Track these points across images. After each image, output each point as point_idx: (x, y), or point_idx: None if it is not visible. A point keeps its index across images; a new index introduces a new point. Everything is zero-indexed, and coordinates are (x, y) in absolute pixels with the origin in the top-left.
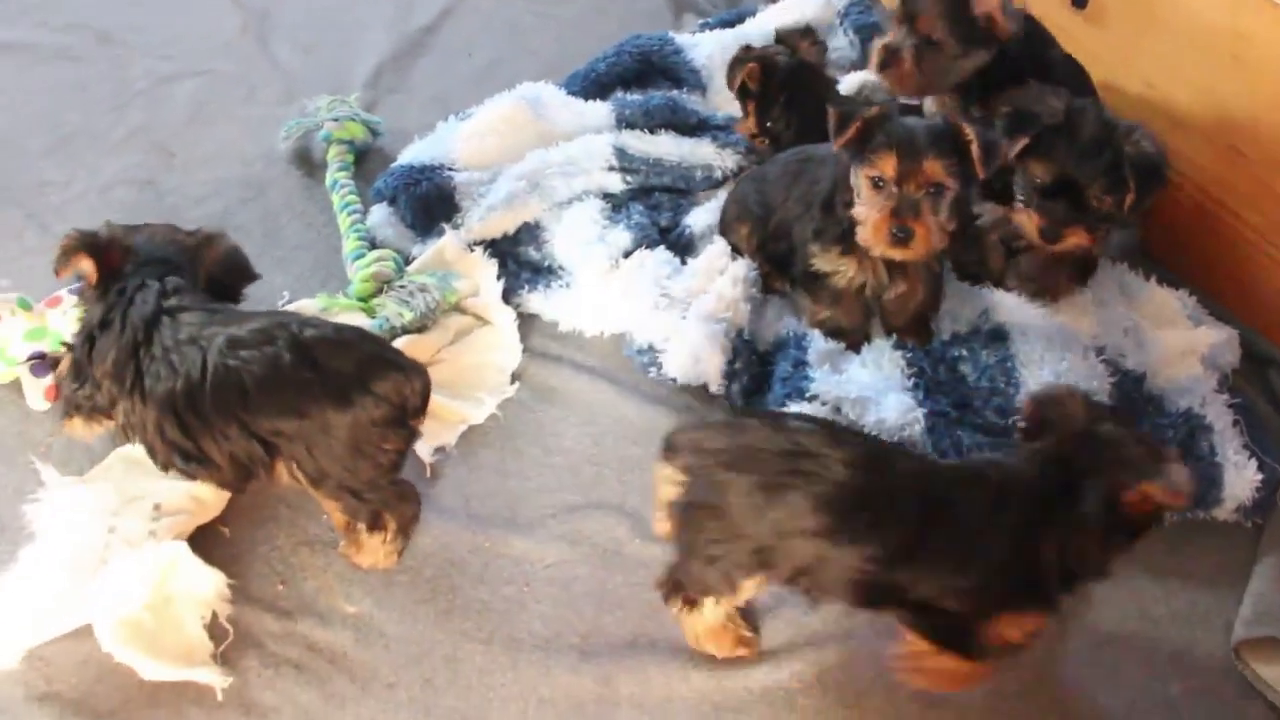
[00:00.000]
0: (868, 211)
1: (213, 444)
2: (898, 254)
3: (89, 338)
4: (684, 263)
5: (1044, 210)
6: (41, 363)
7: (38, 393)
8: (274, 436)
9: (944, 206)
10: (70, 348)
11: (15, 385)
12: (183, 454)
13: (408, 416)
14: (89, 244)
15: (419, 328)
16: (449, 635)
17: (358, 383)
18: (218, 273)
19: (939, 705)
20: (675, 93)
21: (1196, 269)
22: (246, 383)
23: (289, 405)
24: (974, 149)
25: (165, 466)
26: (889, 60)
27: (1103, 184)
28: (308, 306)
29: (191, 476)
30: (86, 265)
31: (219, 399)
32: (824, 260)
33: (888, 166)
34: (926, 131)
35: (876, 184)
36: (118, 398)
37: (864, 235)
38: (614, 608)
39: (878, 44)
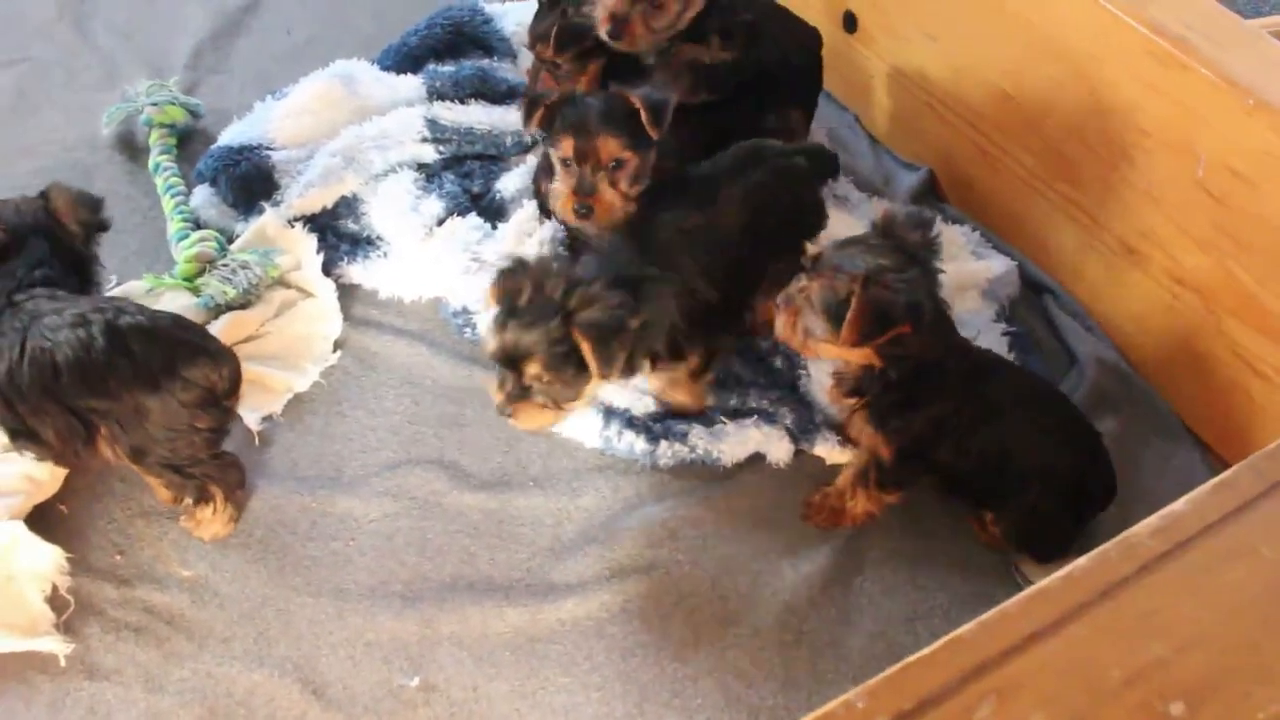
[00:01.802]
0: (559, 188)
1: (37, 421)
2: (585, 226)
3: None
4: (494, 228)
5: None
6: None
7: None
8: (90, 414)
9: (625, 177)
10: None
11: None
12: (13, 432)
13: (219, 398)
14: None
15: (243, 304)
16: (280, 591)
17: (166, 368)
18: (82, 218)
19: (734, 621)
20: (486, 62)
21: (978, 207)
22: (59, 363)
23: (100, 387)
24: (643, 116)
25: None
26: (619, 29)
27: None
28: (135, 288)
29: (36, 454)
30: None
31: (34, 378)
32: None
33: (568, 148)
34: (599, 111)
35: (564, 163)
36: None
37: (556, 209)
38: (434, 555)
39: (602, 13)
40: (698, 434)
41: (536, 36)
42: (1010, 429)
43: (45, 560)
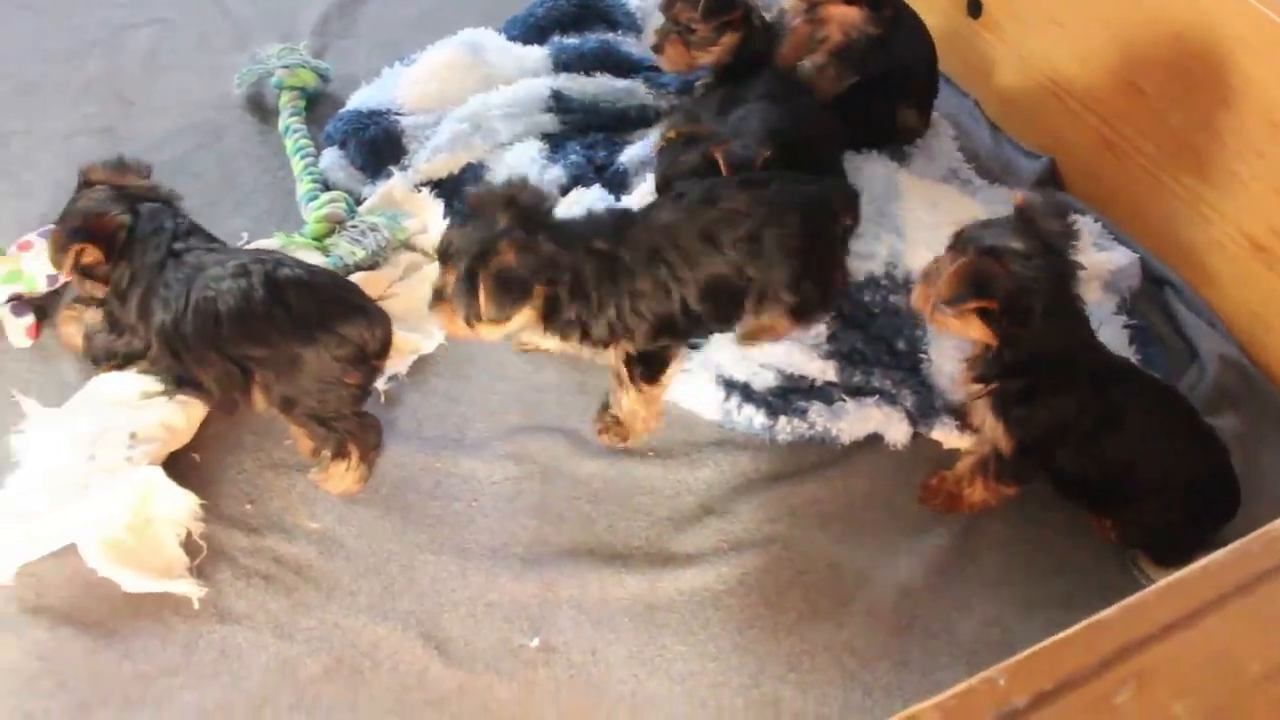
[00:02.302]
0: None
1: (199, 369)
2: None
3: (120, 294)
4: (618, 199)
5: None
6: (20, 303)
7: (19, 331)
8: (248, 362)
9: None
10: (103, 303)
11: None
12: (177, 380)
13: (369, 357)
14: (84, 234)
15: (371, 265)
16: (404, 547)
17: (322, 322)
18: (142, 176)
19: (849, 600)
20: (610, 35)
21: (1100, 197)
22: (221, 312)
23: (258, 335)
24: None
25: (171, 395)
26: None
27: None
28: (267, 246)
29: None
30: (91, 254)
31: (197, 327)
32: None
33: None
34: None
35: None
36: (146, 338)
37: None
38: (554, 519)
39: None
40: (817, 411)
41: None
42: (1136, 438)
43: (181, 506)
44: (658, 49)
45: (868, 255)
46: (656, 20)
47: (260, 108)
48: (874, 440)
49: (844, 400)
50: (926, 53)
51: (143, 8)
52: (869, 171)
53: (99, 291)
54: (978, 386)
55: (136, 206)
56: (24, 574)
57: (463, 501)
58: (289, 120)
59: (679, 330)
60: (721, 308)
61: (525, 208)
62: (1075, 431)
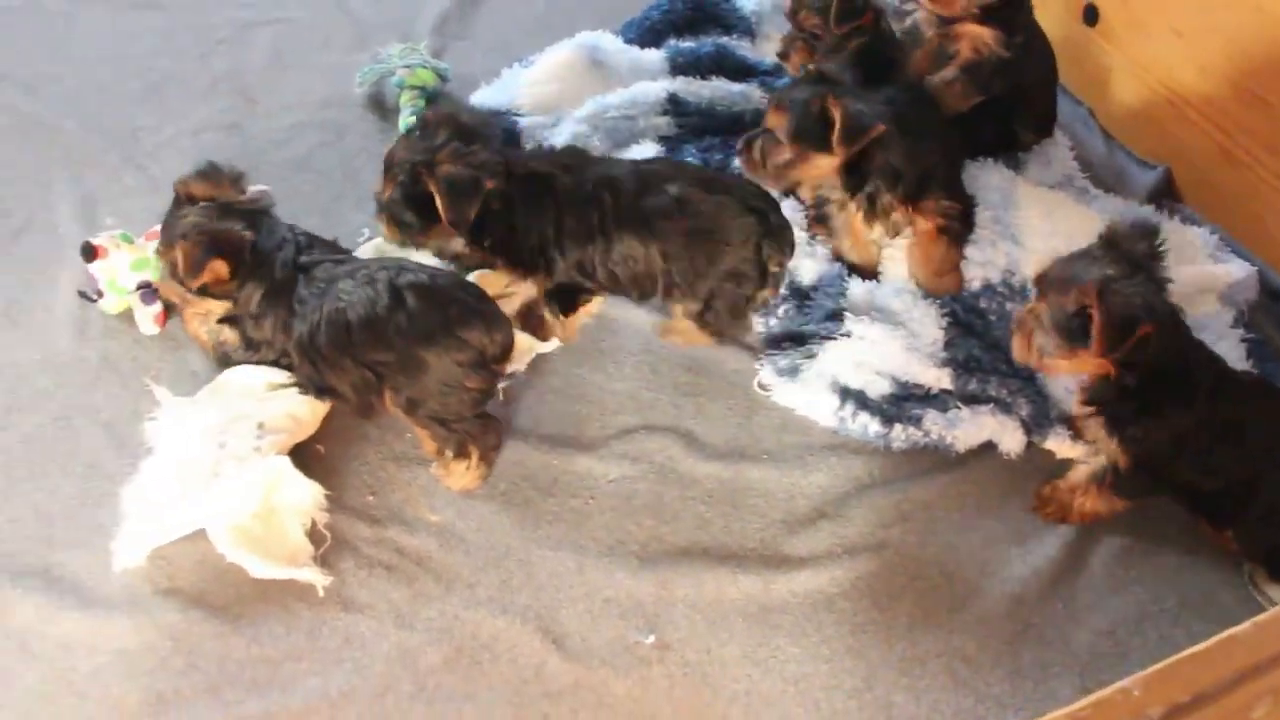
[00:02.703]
0: None
1: (335, 377)
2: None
3: (254, 314)
4: None
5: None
6: (149, 291)
7: (148, 319)
8: (378, 367)
9: None
10: (234, 321)
11: (125, 315)
12: (317, 388)
13: (489, 361)
14: (215, 247)
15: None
16: (522, 542)
17: (444, 325)
18: (236, 184)
19: (959, 609)
20: (725, 39)
21: (1217, 209)
22: (351, 321)
23: (384, 340)
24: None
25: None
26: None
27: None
28: (386, 244)
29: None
30: (220, 268)
31: (331, 337)
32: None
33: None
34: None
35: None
36: (282, 349)
37: None
38: (670, 519)
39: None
40: (932, 419)
41: (804, 4)
42: (1259, 452)
43: (306, 496)
44: (784, 55)
45: (984, 262)
46: (771, 24)
47: (380, 106)
48: (988, 448)
49: (959, 408)
50: (1050, 78)
51: (268, 7)
52: (985, 180)
53: (218, 308)
54: (1090, 408)
55: (255, 221)
56: (156, 557)
57: (579, 499)
58: (409, 119)
59: (593, 279)
60: (637, 281)
61: (467, 126)
62: (1193, 447)
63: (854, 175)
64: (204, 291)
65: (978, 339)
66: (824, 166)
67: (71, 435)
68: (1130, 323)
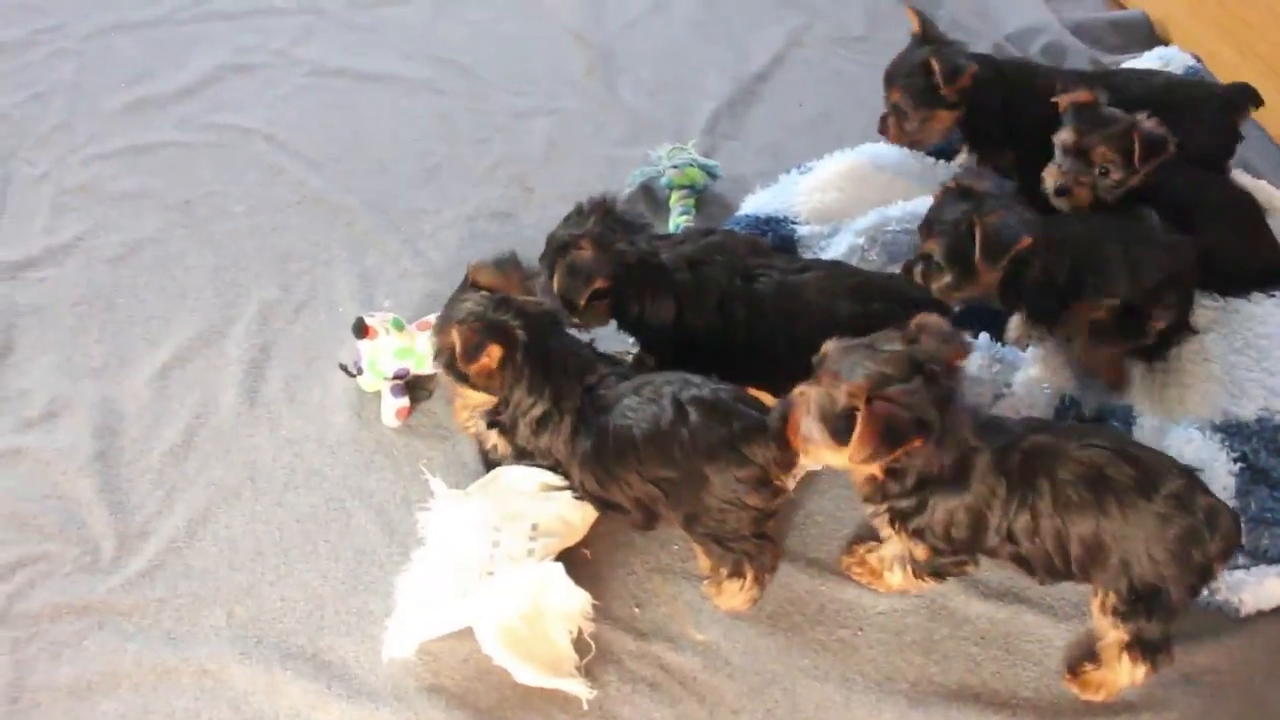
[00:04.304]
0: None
1: (618, 491)
2: None
3: (533, 424)
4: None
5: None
6: (400, 384)
7: (391, 410)
8: (662, 482)
9: None
10: (502, 428)
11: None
12: (603, 503)
13: (771, 479)
14: (491, 334)
15: None
16: (788, 669)
17: (727, 440)
18: (525, 284)
19: None
20: None
21: None
22: (637, 437)
23: (668, 456)
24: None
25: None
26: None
27: (1104, 146)
28: None
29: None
30: (495, 351)
31: (617, 453)
32: None
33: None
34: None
35: None
36: (564, 459)
37: None
38: (940, 659)
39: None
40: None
41: (1098, 136)
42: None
43: (574, 603)
44: (1064, 190)
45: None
46: None
47: (652, 200)
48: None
49: (1246, 569)
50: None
51: (543, 96)
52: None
53: (483, 401)
54: (870, 508)
55: (536, 323)
56: (422, 651)
57: (848, 629)
58: (679, 219)
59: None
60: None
61: (617, 216)
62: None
63: (1010, 290)
64: (468, 381)
65: (1272, 489)
66: (986, 283)
67: (344, 518)
68: (895, 434)
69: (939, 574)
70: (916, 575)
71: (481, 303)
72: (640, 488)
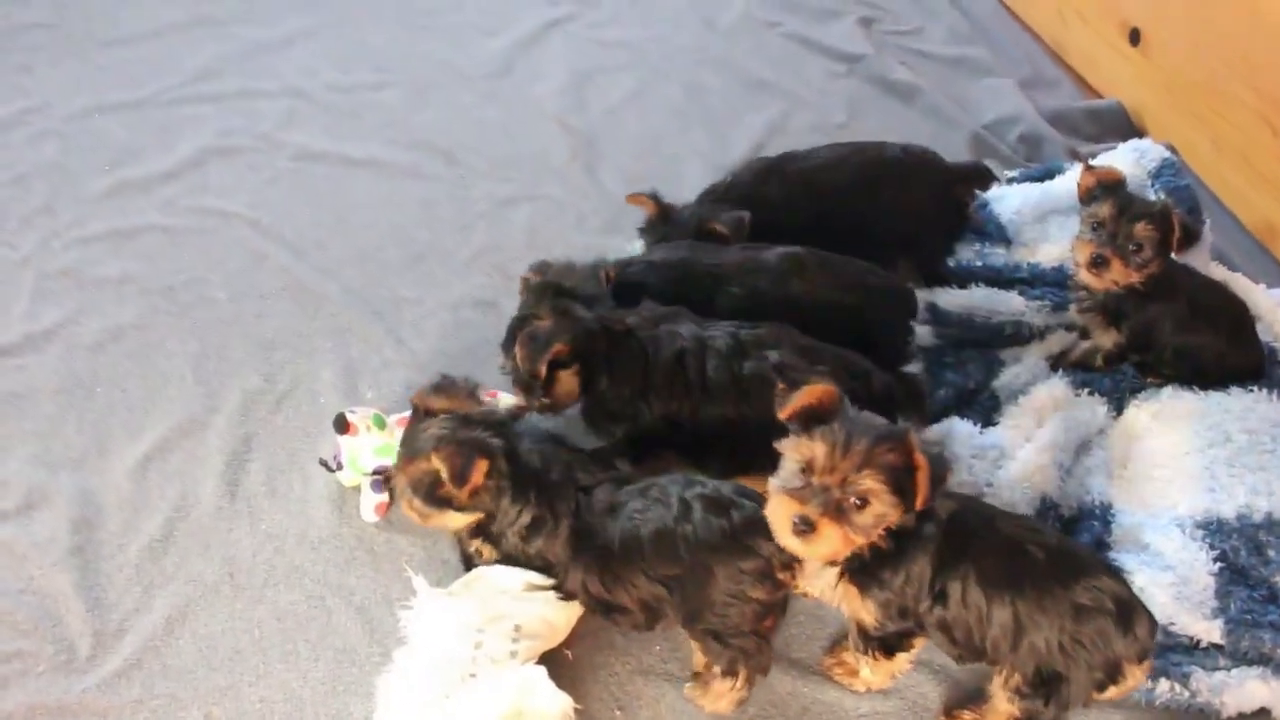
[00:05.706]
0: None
1: (623, 593)
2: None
3: (523, 534)
4: (990, 424)
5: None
6: (380, 479)
7: (370, 505)
8: (667, 581)
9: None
10: (487, 535)
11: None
12: (605, 606)
13: (774, 572)
14: (474, 450)
15: None
16: None
17: (732, 536)
18: None
19: None
20: (977, 247)
21: None
22: (644, 538)
23: (673, 554)
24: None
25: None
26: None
27: (1146, 223)
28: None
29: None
30: (483, 466)
31: (625, 556)
32: None
33: None
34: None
35: None
36: (563, 563)
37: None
38: None
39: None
40: (1199, 678)
41: (1138, 213)
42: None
43: (556, 707)
44: (1099, 262)
45: (1270, 491)
46: (1032, 231)
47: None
48: (1262, 714)
49: (1227, 671)
50: None
51: (526, 183)
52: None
53: (457, 522)
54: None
55: (502, 431)
56: None
57: None
58: None
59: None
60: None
61: (566, 290)
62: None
63: None
64: (452, 505)
65: (1251, 589)
66: None
67: (325, 616)
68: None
69: (888, 649)
70: (866, 650)
71: (446, 426)
72: (647, 588)
